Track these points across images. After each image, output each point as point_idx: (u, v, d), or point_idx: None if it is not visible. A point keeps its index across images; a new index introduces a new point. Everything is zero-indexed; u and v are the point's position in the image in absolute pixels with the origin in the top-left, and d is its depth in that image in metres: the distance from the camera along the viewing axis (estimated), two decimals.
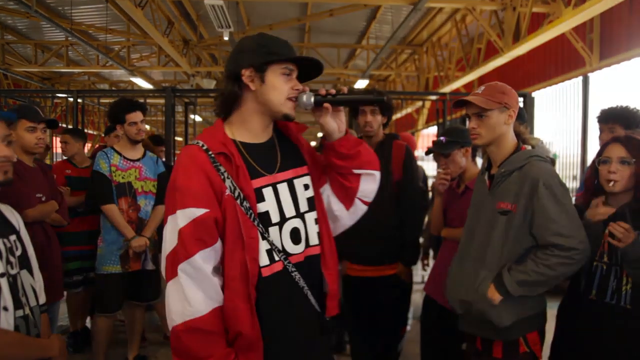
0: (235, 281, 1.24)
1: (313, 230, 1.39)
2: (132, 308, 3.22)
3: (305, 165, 1.44)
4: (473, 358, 1.88)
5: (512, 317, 1.72)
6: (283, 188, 1.36)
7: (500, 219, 1.73)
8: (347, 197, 1.47)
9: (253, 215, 1.27)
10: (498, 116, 1.76)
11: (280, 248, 1.31)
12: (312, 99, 1.35)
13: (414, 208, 2.72)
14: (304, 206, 1.38)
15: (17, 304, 1.39)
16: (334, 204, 1.48)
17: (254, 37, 1.36)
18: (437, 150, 2.45)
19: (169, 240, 1.25)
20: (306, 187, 1.41)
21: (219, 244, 1.26)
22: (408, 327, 4.06)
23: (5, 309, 1.34)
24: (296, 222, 1.35)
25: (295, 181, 1.39)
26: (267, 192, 1.33)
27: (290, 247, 1.33)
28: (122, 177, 3.00)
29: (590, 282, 1.79)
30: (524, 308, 1.73)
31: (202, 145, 1.29)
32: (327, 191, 1.49)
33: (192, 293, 1.21)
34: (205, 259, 1.23)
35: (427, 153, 2.68)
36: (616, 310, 1.71)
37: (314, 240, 1.39)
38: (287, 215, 1.34)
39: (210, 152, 1.28)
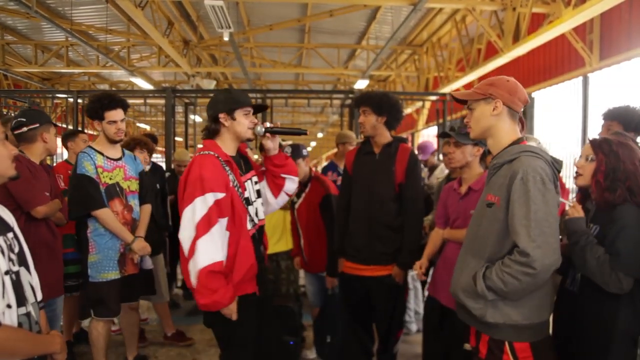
0: (246, 233, 2.08)
1: (261, 210, 2.28)
2: (128, 312, 3.12)
3: (253, 170, 2.30)
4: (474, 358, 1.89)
5: (496, 317, 1.66)
6: (249, 183, 2.22)
7: (487, 211, 1.71)
8: (277, 189, 2.33)
9: (243, 196, 2.11)
10: (483, 108, 1.74)
11: (254, 219, 2.18)
12: (262, 130, 2.17)
13: (414, 211, 2.74)
14: (256, 195, 2.26)
15: (20, 301, 1.41)
16: (267, 193, 2.34)
17: (225, 91, 2.21)
18: (454, 136, 2.43)
19: (200, 210, 1.94)
20: (255, 182, 2.28)
21: (227, 218, 2.01)
22: (413, 329, 4.06)
23: (9, 306, 1.35)
24: (256, 204, 2.24)
25: (251, 179, 2.26)
26: (248, 185, 2.19)
27: (256, 219, 2.21)
28: (110, 178, 2.83)
29: (567, 272, 1.97)
30: (514, 314, 1.65)
31: (215, 154, 2.07)
32: (263, 185, 2.34)
33: (221, 244, 1.99)
34: (223, 226, 2.00)
35: (441, 136, 2.67)
36: (571, 295, 1.93)
37: (261, 216, 2.28)
38: (253, 199, 2.21)
39: (220, 159, 2.07)
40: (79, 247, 2.92)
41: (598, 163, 1.87)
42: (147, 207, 3.05)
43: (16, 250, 1.48)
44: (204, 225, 1.93)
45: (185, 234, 1.96)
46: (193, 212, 1.94)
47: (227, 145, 2.15)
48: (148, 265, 3.03)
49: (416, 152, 4.55)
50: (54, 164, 4.74)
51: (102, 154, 2.83)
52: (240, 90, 2.23)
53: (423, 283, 3.99)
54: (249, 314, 2.11)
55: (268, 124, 2.19)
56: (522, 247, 1.54)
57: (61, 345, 1.52)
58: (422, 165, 4.19)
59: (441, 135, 2.69)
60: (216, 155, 2.06)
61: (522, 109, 1.78)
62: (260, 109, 2.30)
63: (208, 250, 1.92)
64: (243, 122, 2.12)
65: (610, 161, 1.84)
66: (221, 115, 2.10)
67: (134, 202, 2.95)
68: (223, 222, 1.99)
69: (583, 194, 2.03)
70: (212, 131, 2.15)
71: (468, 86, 8.94)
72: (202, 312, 2.06)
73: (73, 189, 2.78)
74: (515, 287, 1.57)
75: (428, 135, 12.61)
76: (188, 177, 2.01)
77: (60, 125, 7.39)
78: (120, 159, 2.93)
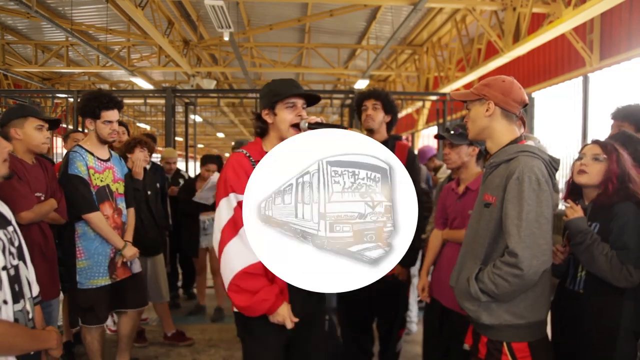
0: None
1: None
2: (133, 319, 3.01)
3: None
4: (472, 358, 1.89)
5: (493, 318, 1.66)
6: None
7: (484, 211, 1.71)
8: None
9: None
10: (477, 108, 1.75)
11: None
12: (306, 125, 1.84)
13: None
14: None
15: (16, 297, 1.41)
16: None
17: (267, 85, 1.93)
18: (448, 138, 2.44)
19: (226, 213, 1.78)
20: None
21: None
22: (414, 329, 4.06)
23: (5, 302, 1.36)
24: None
25: None
26: None
27: None
28: (101, 180, 2.73)
29: (567, 272, 2.00)
30: (507, 314, 1.64)
31: (246, 153, 1.87)
32: None
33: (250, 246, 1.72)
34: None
35: (437, 137, 2.68)
36: (573, 295, 1.94)
37: None
38: None
39: (251, 158, 1.85)
40: (64, 252, 2.81)
41: (611, 164, 1.90)
42: (132, 211, 2.98)
43: (16, 244, 1.49)
44: (231, 228, 1.78)
45: (214, 237, 1.84)
46: (219, 215, 1.82)
47: (273, 144, 1.86)
48: (137, 269, 2.95)
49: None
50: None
51: (92, 154, 2.75)
52: (283, 80, 1.92)
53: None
54: (274, 337, 1.84)
55: (314, 119, 1.86)
56: (511, 247, 1.55)
57: (57, 342, 1.53)
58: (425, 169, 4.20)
59: (436, 136, 2.70)
60: (247, 154, 1.87)
61: (522, 109, 1.76)
62: (312, 100, 1.93)
63: (240, 252, 1.75)
64: (285, 117, 1.84)
65: (620, 165, 1.89)
66: (264, 112, 1.89)
67: (122, 205, 2.88)
68: None
69: (576, 193, 2.05)
70: (260, 130, 1.94)
71: (468, 86, 8.94)
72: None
73: (64, 190, 2.67)
74: (506, 289, 1.57)
75: (428, 135, 12.61)
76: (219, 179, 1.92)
77: (61, 124, 7.41)
78: (108, 159, 2.85)
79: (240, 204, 1.76)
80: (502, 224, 1.62)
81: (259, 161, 1.79)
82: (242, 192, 1.74)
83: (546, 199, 1.57)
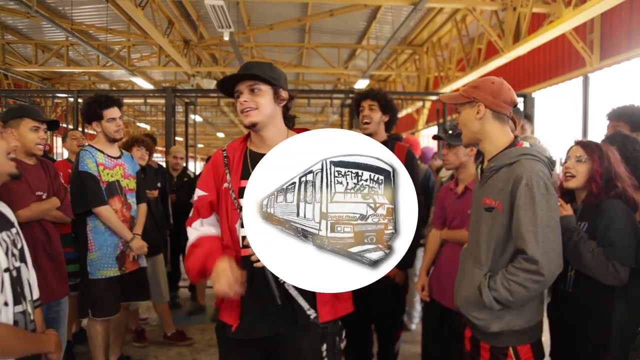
0: (227, 248, 1.67)
1: None
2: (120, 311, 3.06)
3: None
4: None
5: (501, 326, 1.64)
6: None
7: (485, 215, 1.67)
8: None
9: (237, 204, 1.66)
10: (468, 111, 1.72)
11: None
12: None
13: None
14: None
15: (17, 299, 1.41)
16: None
17: None
18: (445, 139, 2.44)
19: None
20: None
21: (211, 218, 1.74)
22: (413, 328, 4.07)
23: (6, 304, 1.36)
24: None
25: None
26: None
27: None
28: (111, 176, 2.89)
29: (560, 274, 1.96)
30: (517, 319, 1.63)
31: (223, 148, 1.78)
32: None
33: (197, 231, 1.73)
34: (201, 225, 1.74)
35: (434, 137, 2.68)
36: (564, 294, 1.97)
37: None
38: None
39: (225, 153, 1.75)
40: (78, 246, 2.93)
41: (595, 164, 1.92)
42: (144, 206, 3.10)
43: (19, 246, 1.49)
44: (189, 220, 1.77)
45: None
46: None
47: (254, 141, 1.77)
48: (143, 263, 3.04)
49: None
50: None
51: (102, 152, 2.89)
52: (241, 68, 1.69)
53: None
54: (226, 354, 1.74)
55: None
56: (530, 254, 1.52)
57: (56, 345, 1.53)
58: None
59: (434, 137, 2.71)
60: (224, 148, 1.80)
61: (513, 109, 1.73)
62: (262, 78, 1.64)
63: (191, 234, 1.74)
64: (237, 107, 1.68)
65: (604, 163, 1.91)
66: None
67: (132, 200, 3.00)
68: (204, 222, 1.76)
69: (567, 195, 2.06)
70: None
71: None
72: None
73: (74, 186, 2.80)
74: (522, 295, 1.54)
75: (428, 135, 12.61)
76: None
77: (60, 125, 7.40)
78: (119, 157, 3.00)
79: (199, 199, 1.74)
80: (513, 230, 1.59)
81: (229, 157, 1.74)
82: (202, 188, 1.74)
83: (554, 202, 1.57)
